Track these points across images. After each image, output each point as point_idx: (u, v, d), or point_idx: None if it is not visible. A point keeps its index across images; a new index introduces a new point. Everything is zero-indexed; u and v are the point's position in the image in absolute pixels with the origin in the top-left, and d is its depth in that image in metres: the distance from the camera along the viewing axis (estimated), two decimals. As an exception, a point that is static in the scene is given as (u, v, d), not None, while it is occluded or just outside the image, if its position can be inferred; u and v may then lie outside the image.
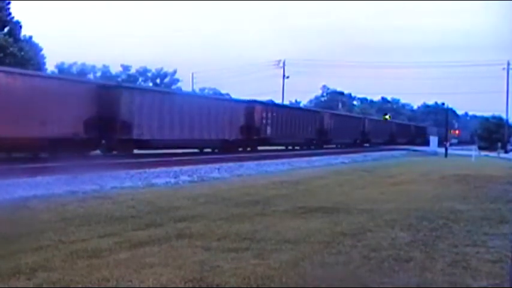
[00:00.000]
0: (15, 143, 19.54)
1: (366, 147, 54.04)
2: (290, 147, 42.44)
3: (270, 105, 42.58)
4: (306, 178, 18.97)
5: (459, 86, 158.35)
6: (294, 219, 9.71)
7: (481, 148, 55.60)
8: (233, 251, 6.85)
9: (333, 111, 60.16)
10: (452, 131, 63.79)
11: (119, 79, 66.52)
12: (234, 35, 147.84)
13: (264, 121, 37.12)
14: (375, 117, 71.40)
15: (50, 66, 52.50)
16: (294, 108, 54.35)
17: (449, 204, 12.05)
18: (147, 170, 18.22)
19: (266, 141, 37.76)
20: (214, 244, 7.29)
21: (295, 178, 18.72)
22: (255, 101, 38.67)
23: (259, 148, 36.75)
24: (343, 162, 30.59)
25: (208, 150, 32.82)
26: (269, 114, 37.98)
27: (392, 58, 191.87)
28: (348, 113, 72.09)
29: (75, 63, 68.95)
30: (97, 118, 23.27)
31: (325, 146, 47.26)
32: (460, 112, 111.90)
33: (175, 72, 78.06)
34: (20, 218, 9.40)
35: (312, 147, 45.00)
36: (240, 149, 34.25)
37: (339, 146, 50.49)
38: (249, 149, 35.35)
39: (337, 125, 50.23)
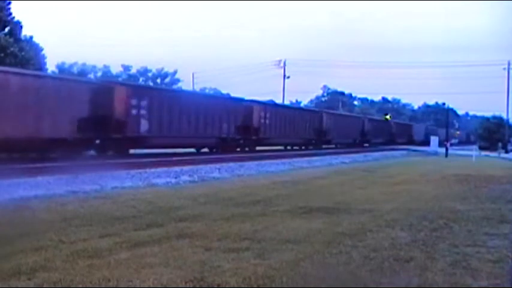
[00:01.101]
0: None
1: (366, 147, 53.92)
2: (289, 147, 42.32)
3: (268, 104, 42.25)
4: (307, 178, 18.97)
5: (460, 86, 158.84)
6: (294, 219, 9.71)
7: (481, 148, 55.64)
8: (234, 251, 6.85)
9: (332, 111, 59.76)
10: (455, 134, 63.83)
11: (120, 79, 66.52)
12: (234, 35, 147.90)
13: (262, 121, 36.71)
14: (375, 117, 71.31)
15: (51, 66, 52.56)
16: (293, 108, 54.04)
17: (450, 204, 12.06)
18: (147, 170, 18.21)
19: (264, 141, 37.49)
20: (215, 244, 7.29)
21: (295, 178, 18.72)
22: (253, 101, 38.32)
23: (258, 148, 36.59)
24: (343, 162, 30.59)
25: (206, 150, 32.65)
26: (267, 114, 37.65)
27: (393, 58, 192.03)
28: (347, 113, 71.81)
29: (75, 63, 69.02)
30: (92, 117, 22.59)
31: (324, 146, 47.03)
32: (460, 112, 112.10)
33: (175, 72, 78.32)
34: (20, 218, 9.40)
35: (311, 147, 44.76)
36: (238, 149, 33.88)
37: (338, 146, 50.22)
38: (247, 149, 34.99)
39: (337, 125, 49.93)
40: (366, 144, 56.68)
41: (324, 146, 47.06)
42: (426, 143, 60.06)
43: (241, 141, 34.99)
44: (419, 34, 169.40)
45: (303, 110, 55.50)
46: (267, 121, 37.35)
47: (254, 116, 35.70)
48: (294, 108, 54.71)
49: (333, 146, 49.53)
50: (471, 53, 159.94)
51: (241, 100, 37.35)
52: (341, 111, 77.52)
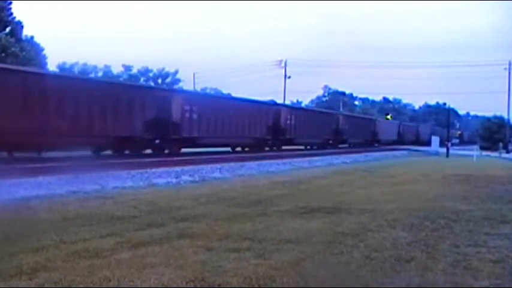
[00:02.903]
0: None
1: (369, 147, 54.37)
2: (309, 147, 44.90)
3: (293, 108, 46.27)
4: (307, 178, 18.97)
5: (461, 86, 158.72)
6: (295, 219, 9.70)
7: (482, 148, 55.65)
8: (235, 251, 6.84)
9: (347, 113, 63.65)
10: (457, 134, 64.16)
11: (121, 79, 66.52)
12: (235, 35, 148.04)
13: (288, 122, 39.74)
14: (383, 119, 72.67)
15: (52, 66, 52.39)
16: (314, 111, 57.53)
17: (451, 204, 12.05)
18: (148, 170, 18.20)
19: (290, 141, 40.47)
20: (216, 244, 7.29)
21: (296, 178, 18.72)
22: (280, 104, 42.54)
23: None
24: (344, 162, 30.59)
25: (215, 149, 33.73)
26: (293, 116, 40.78)
27: (394, 58, 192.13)
28: (361, 115, 74.91)
29: (76, 63, 68.96)
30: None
31: (339, 146, 49.56)
32: (461, 112, 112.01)
33: (176, 72, 78.22)
34: (21, 218, 9.41)
35: (328, 146, 47.02)
36: (267, 148, 36.98)
37: (352, 145, 52.67)
38: (275, 148, 38.15)
39: (351, 126, 53.07)
40: (376, 144, 59.08)
41: (339, 146, 49.51)
42: (429, 143, 60.71)
43: (270, 142, 38.05)
44: (420, 34, 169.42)
45: (323, 112, 57.65)
46: (293, 122, 40.45)
47: (282, 118, 38.93)
48: (315, 111, 57.56)
49: (347, 145, 51.88)
50: (472, 53, 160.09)
51: (271, 103, 40.70)
52: (341, 111, 77.71)
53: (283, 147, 39.28)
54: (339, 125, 50.67)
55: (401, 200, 12.89)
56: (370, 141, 58.82)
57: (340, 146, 49.81)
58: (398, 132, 69.80)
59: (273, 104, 40.96)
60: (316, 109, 69.85)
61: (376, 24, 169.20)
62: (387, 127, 66.77)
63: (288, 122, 39.79)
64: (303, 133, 41.98)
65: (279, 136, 38.47)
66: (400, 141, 66.49)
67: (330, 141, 48.64)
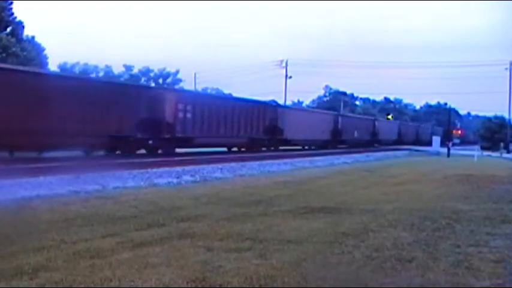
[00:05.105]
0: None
1: (369, 147, 54.07)
2: (306, 147, 44.64)
3: (291, 108, 45.66)
4: (308, 178, 18.96)
5: (462, 86, 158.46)
6: (296, 219, 9.70)
7: (483, 148, 55.62)
8: (235, 251, 6.84)
9: (346, 113, 63.41)
10: (454, 131, 63.80)
11: (122, 79, 66.52)
12: (236, 35, 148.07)
13: (286, 122, 39.21)
14: (384, 119, 72.75)
15: (53, 66, 52.44)
16: (312, 111, 57.32)
17: (452, 204, 12.03)
18: (149, 170, 18.20)
19: (287, 142, 40.10)
20: (217, 244, 7.29)
21: (297, 178, 18.71)
22: (278, 104, 41.70)
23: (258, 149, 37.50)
24: (345, 162, 30.55)
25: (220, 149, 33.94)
26: (290, 117, 40.35)
27: (395, 58, 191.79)
28: (360, 115, 74.07)
29: (77, 63, 68.96)
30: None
31: (338, 146, 49.10)
32: (462, 112, 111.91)
33: (177, 72, 78.17)
34: (22, 218, 9.40)
35: (328, 146, 46.74)
36: (264, 149, 36.44)
37: (351, 146, 52.00)
38: (272, 148, 37.59)
39: (350, 126, 52.79)
40: (376, 145, 58.53)
41: (338, 146, 49.09)
42: (430, 143, 60.68)
43: (267, 142, 37.57)
44: (421, 34, 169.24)
45: (321, 112, 57.21)
46: (290, 123, 39.79)
47: (279, 118, 38.48)
48: (313, 111, 57.46)
49: (346, 146, 51.24)
50: (473, 53, 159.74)
51: (267, 103, 40.20)
52: (342, 111, 77.59)
53: (281, 148, 38.91)
54: (338, 125, 50.53)
55: (402, 200, 12.89)
56: (370, 141, 58.54)
57: (339, 146, 49.53)
58: (399, 132, 69.75)
59: (270, 103, 40.69)
60: (315, 109, 69.65)
61: (376, 24, 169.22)
62: (387, 127, 66.70)
63: (286, 122, 39.48)
64: (301, 133, 41.74)
65: (276, 136, 38.18)
66: (400, 141, 66.32)
67: (329, 142, 48.40)
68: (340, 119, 52.13)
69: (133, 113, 24.78)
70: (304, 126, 41.99)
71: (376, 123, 62.90)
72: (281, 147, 39.08)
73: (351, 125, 53.42)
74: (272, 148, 37.61)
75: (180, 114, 27.95)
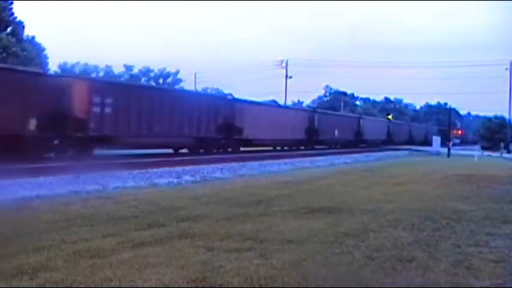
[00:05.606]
0: None
1: (365, 147, 53.29)
2: (279, 148, 40.74)
3: (253, 103, 39.12)
4: (309, 178, 18.96)
5: (462, 86, 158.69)
6: (296, 219, 9.70)
7: (483, 148, 55.63)
8: (236, 251, 6.84)
9: (324, 111, 56.80)
10: (455, 131, 63.68)
11: (122, 79, 66.51)
12: (236, 35, 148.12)
13: (246, 120, 34.28)
14: (371, 117, 70.19)
15: (53, 66, 52.52)
16: (282, 108, 50.77)
17: (452, 204, 12.03)
18: (149, 170, 18.23)
19: (248, 142, 35.20)
20: (217, 244, 7.29)
21: (297, 178, 18.71)
22: (236, 99, 35.72)
23: (260, 149, 36.30)
24: (345, 162, 30.57)
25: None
26: (251, 113, 35.00)
27: (395, 58, 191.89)
28: (342, 113, 70.03)
29: (77, 63, 68.98)
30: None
31: (316, 147, 45.56)
32: (462, 112, 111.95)
33: (178, 72, 78.11)
34: (22, 218, 9.40)
35: (302, 147, 43.00)
36: (220, 150, 31.84)
37: (333, 146, 49.16)
38: (229, 149, 32.49)
39: (329, 125, 48.11)
40: (363, 145, 55.21)
41: (315, 147, 45.39)
42: (425, 143, 60.72)
43: (223, 142, 32.64)
44: (422, 34, 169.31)
45: (292, 109, 51.97)
46: (253, 120, 34.75)
47: (237, 115, 33.62)
48: (284, 108, 51.53)
49: (325, 146, 47.84)
50: (473, 53, 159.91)
51: (221, 97, 35.31)
52: (342, 111, 77.39)
53: (242, 149, 34.10)
54: (314, 123, 45.52)
55: (402, 200, 12.89)
56: (354, 141, 53.73)
57: (317, 147, 45.35)
58: (388, 132, 65.24)
59: (224, 97, 35.77)
60: (285, 106, 62.04)
61: (377, 24, 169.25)
62: (374, 126, 61.62)
63: (246, 119, 34.19)
64: (267, 133, 36.70)
65: (233, 136, 33.13)
66: (390, 141, 62.33)
67: (303, 142, 44.00)
68: (316, 116, 46.80)
69: (32, 106, 19.50)
70: (270, 125, 36.94)
71: (362, 121, 57.87)
72: (242, 149, 34.08)
73: (330, 123, 48.31)
74: (229, 150, 32.28)
75: (96, 109, 22.87)
